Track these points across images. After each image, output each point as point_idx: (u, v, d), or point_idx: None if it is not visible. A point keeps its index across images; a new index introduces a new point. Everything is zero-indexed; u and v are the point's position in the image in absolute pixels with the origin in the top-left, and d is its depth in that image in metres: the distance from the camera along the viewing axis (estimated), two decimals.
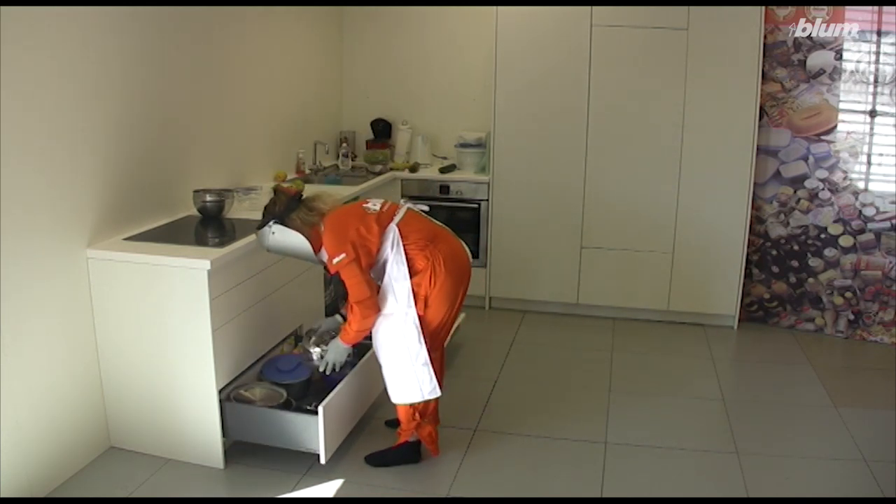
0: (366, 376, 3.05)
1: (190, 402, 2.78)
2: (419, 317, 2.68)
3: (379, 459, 2.89)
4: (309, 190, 3.11)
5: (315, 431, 2.71)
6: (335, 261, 2.61)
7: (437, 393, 2.75)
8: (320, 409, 2.68)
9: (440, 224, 2.84)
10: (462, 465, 2.91)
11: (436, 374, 2.74)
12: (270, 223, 2.68)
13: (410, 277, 2.66)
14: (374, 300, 2.66)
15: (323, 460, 2.74)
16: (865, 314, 4.21)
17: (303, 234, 2.67)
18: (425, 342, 2.69)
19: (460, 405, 3.39)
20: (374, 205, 2.74)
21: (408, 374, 2.71)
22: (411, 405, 2.78)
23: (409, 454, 2.89)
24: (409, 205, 2.83)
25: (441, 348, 2.91)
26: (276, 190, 2.83)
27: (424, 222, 2.78)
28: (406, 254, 2.66)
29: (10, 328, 2.42)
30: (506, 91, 4.35)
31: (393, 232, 2.67)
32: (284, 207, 2.69)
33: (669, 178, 4.24)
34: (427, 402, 2.79)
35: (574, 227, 4.42)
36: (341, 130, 5.11)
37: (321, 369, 2.85)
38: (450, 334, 3.03)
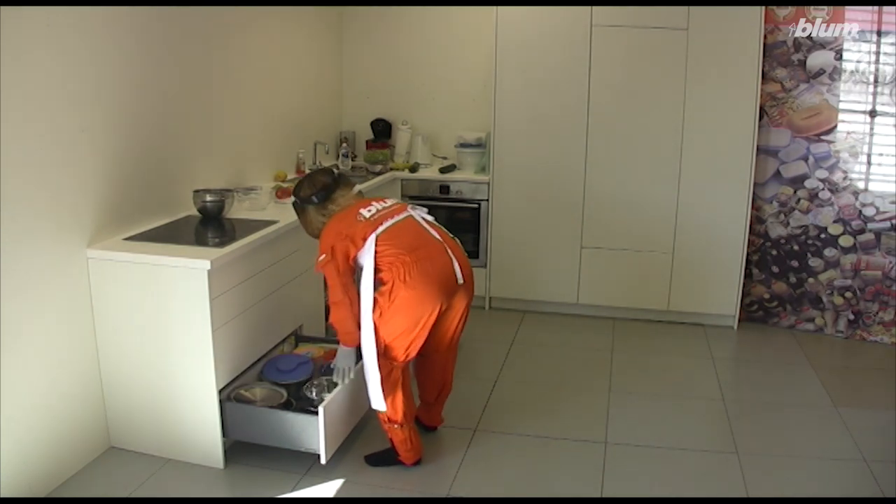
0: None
1: (190, 402, 2.79)
2: (375, 330, 2.66)
3: (378, 459, 2.91)
4: None
5: (315, 432, 2.71)
6: (319, 259, 2.70)
7: (380, 407, 2.73)
8: (320, 409, 2.68)
9: (437, 237, 2.78)
10: (462, 465, 2.91)
11: (388, 390, 2.71)
12: (293, 201, 2.94)
13: (374, 290, 2.67)
14: (346, 302, 2.69)
15: (323, 460, 2.74)
16: (865, 314, 4.21)
17: (313, 222, 2.86)
18: (377, 356, 2.67)
19: (460, 405, 3.38)
20: (370, 210, 2.76)
21: (369, 382, 2.74)
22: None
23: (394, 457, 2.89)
24: (413, 213, 2.84)
25: (405, 366, 2.79)
26: (309, 174, 2.96)
27: (412, 235, 2.74)
28: (377, 265, 2.66)
29: (10, 328, 2.42)
30: (506, 91, 4.35)
31: (370, 243, 2.66)
32: (306, 197, 2.85)
33: (669, 178, 4.24)
34: (395, 409, 2.77)
35: (574, 227, 4.42)
36: (341, 130, 5.11)
37: (335, 379, 2.85)
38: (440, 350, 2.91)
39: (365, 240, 2.66)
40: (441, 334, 2.84)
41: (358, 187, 3.16)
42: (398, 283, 2.63)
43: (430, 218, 2.88)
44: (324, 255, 2.68)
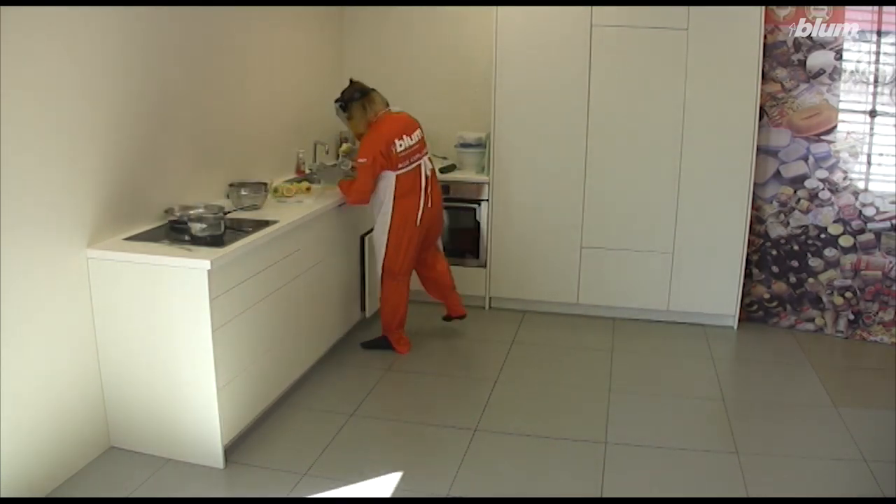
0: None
1: (190, 402, 2.79)
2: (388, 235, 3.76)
3: (369, 345, 3.97)
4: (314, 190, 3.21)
5: None
6: (359, 161, 3.61)
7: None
8: None
9: (423, 188, 3.76)
10: (462, 465, 2.91)
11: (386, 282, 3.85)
12: (338, 103, 3.75)
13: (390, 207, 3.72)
14: (363, 197, 3.68)
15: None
16: (865, 314, 4.21)
17: (353, 121, 3.73)
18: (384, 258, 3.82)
19: (460, 405, 3.39)
20: (402, 145, 3.65)
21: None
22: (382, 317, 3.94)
23: (386, 344, 3.95)
24: (422, 163, 3.76)
25: (405, 279, 3.90)
26: (351, 80, 3.80)
27: (410, 183, 3.71)
28: (395, 194, 3.68)
29: (10, 328, 2.43)
30: (506, 91, 4.35)
31: (393, 178, 3.66)
32: (349, 97, 3.70)
33: (669, 178, 4.24)
34: (393, 315, 3.88)
35: (574, 227, 4.42)
36: (341, 130, 5.09)
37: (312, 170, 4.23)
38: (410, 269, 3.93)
39: (391, 169, 3.64)
40: (407, 255, 3.83)
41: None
42: (396, 214, 3.71)
43: (427, 173, 3.80)
44: (365, 160, 3.58)
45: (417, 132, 3.78)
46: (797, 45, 4.07)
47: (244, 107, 3.85)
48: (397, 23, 4.95)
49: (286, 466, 2.85)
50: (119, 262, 2.74)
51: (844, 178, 4.12)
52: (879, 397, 3.52)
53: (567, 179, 4.37)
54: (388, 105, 3.77)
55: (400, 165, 3.66)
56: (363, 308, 4.20)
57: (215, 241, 2.86)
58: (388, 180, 3.67)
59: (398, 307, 3.88)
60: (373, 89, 3.76)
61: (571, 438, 3.11)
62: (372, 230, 4.25)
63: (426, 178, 3.78)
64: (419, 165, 3.75)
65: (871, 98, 4.00)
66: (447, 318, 4.21)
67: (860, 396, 3.54)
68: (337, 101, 3.78)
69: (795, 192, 4.23)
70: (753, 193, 4.19)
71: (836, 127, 4.08)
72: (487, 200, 4.53)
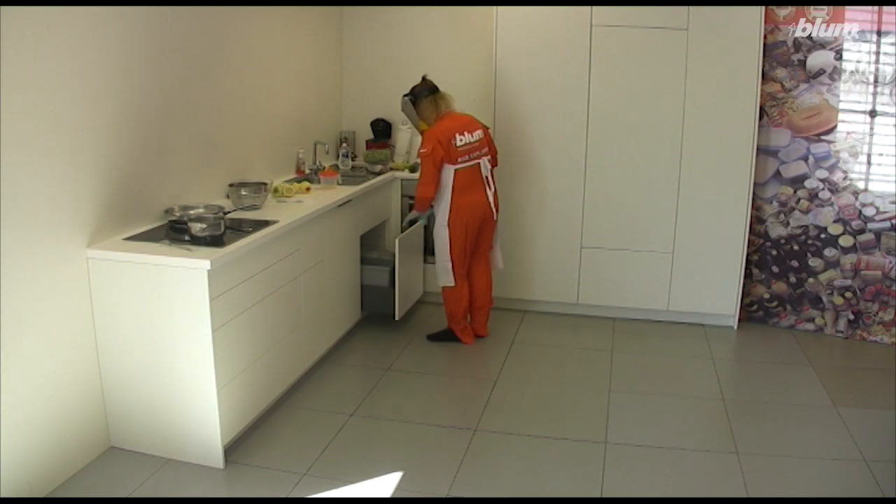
0: None
1: (190, 402, 2.79)
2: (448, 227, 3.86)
3: (435, 337, 4.11)
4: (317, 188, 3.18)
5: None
6: (421, 151, 3.77)
7: (449, 283, 3.96)
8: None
9: (483, 185, 3.89)
10: (462, 465, 2.91)
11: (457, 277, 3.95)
12: (407, 97, 3.94)
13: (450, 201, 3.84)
14: (435, 183, 3.78)
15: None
16: (865, 314, 4.21)
17: (421, 115, 3.94)
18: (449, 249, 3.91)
19: (460, 405, 3.39)
20: (462, 140, 3.78)
21: (439, 267, 4.00)
22: (447, 309, 4.07)
23: (451, 336, 4.09)
24: (482, 162, 3.87)
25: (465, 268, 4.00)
26: (424, 77, 3.96)
27: (470, 179, 3.84)
28: (453, 187, 3.80)
29: (10, 328, 2.43)
30: (506, 91, 4.35)
31: (452, 171, 3.79)
32: (419, 92, 3.90)
33: (669, 178, 4.24)
34: (457, 306, 4.00)
35: (574, 227, 4.42)
36: (341, 130, 5.11)
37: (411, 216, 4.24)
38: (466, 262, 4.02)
39: (450, 163, 3.78)
40: (477, 248, 4.02)
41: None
42: (452, 208, 3.82)
43: (487, 174, 3.92)
44: (425, 150, 3.72)
45: (479, 132, 3.87)
46: (797, 45, 4.07)
47: (244, 106, 3.85)
48: (397, 22, 4.95)
49: (286, 466, 2.85)
50: (119, 262, 2.74)
51: (844, 178, 4.12)
52: (879, 397, 3.52)
53: (567, 179, 4.37)
54: (452, 106, 3.93)
55: (459, 160, 3.77)
56: (392, 312, 4.11)
57: (215, 241, 2.86)
58: (448, 174, 3.79)
59: (460, 297, 3.98)
60: (442, 90, 3.93)
61: (571, 438, 3.11)
62: (369, 231, 4.27)
63: (485, 178, 3.90)
64: (478, 164, 3.86)
65: (871, 98, 4.00)
66: None
67: (860, 396, 3.54)
68: (406, 95, 3.94)
69: (795, 192, 4.23)
70: (753, 193, 4.19)
71: (836, 127, 4.08)
72: None
